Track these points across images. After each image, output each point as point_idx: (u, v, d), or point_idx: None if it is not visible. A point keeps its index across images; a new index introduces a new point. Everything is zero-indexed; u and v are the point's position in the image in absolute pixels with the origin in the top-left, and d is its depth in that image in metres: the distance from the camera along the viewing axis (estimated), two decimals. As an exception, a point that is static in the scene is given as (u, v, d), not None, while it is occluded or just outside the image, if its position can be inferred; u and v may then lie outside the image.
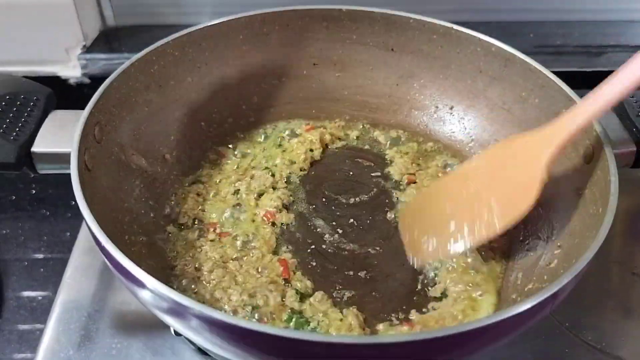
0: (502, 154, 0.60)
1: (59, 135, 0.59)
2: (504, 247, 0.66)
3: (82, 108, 0.59)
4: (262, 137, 0.78)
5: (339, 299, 0.60)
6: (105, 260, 0.50)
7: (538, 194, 0.55)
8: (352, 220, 0.69)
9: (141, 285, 0.46)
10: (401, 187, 0.73)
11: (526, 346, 0.62)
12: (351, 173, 0.75)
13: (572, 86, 0.65)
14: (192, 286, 0.60)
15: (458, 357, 0.48)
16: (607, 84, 0.54)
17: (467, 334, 0.42)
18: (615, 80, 0.53)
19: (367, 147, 0.79)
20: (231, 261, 0.62)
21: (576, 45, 0.97)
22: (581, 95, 0.64)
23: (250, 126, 0.79)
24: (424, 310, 0.59)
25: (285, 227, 0.67)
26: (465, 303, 0.58)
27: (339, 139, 0.80)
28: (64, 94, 0.68)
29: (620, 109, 0.64)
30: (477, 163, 0.63)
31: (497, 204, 0.57)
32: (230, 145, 0.77)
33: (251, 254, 0.63)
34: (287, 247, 0.65)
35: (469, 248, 0.60)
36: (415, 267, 0.62)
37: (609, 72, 0.94)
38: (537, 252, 0.63)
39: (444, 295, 0.60)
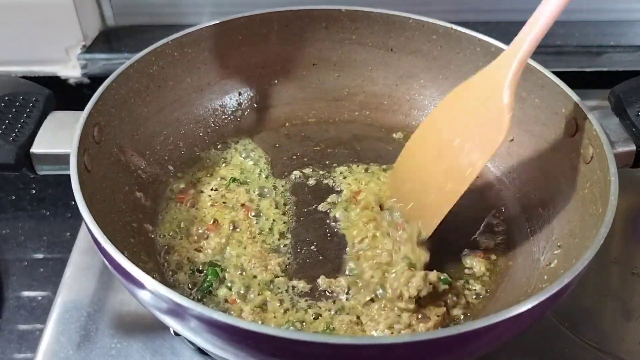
0: (464, 95, 0.58)
1: (58, 136, 0.59)
2: (504, 247, 0.66)
3: (82, 108, 0.59)
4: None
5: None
6: (105, 260, 0.50)
7: (509, 122, 0.52)
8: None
9: (140, 285, 0.46)
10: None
11: (526, 346, 0.62)
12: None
13: (572, 86, 0.65)
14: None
15: (457, 358, 0.48)
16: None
17: (466, 335, 0.42)
18: None
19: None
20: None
21: (576, 45, 0.97)
22: (581, 95, 0.64)
23: (250, 127, 0.79)
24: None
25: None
26: None
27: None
28: (63, 94, 0.68)
29: (620, 109, 0.64)
30: (441, 111, 0.60)
31: (471, 145, 0.55)
32: (230, 146, 0.77)
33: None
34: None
35: (456, 200, 0.58)
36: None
37: (609, 72, 0.95)
38: (537, 252, 0.63)
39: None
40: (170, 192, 0.69)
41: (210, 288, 0.59)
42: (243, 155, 0.75)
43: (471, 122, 0.55)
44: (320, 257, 0.64)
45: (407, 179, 0.64)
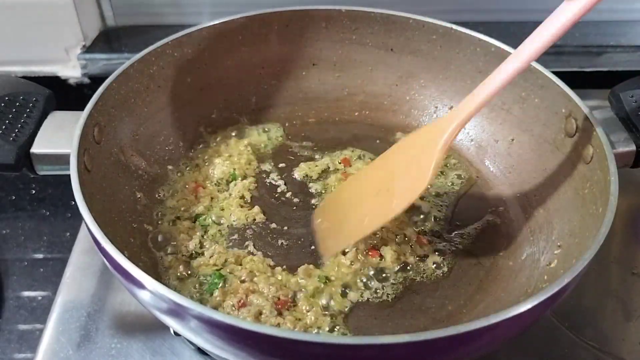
0: (406, 144, 0.62)
1: (58, 137, 0.59)
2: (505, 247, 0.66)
3: (82, 108, 0.59)
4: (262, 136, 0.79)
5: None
6: (105, 260, 0.50)
7: (432, 175, 0.56)
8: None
9: (140, 285, 0.46)
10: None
11: (526, 346, 0.62)
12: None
13: (572, 86, 0.65)
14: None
15: (457, 358, 0.48)
16: (497, 70, 0.55)
17: (466, 335, 0.42)
18: (505, 65, 0.55)
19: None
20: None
21: (576, 45, 0.97)
22: (581, 95, 0.64)
23: (249, 127, 0.79)
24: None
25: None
26: None
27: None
28: (63, 94, 0.69)
29: (620, 109, 0.64)
30: (386, 155, 0.64)
31: (397, 189, 0.59)
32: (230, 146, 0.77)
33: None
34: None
35: (367, 234, 0.61)
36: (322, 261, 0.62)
37: (609, 72, 0.95)
38: (537, 252, 0.63)
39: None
40: (170, 192, 0.69)
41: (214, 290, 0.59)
42: (244, 155, 0.75)
43: (403, 171, 0.60)
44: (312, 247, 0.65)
45: (336, 205, 0.67)
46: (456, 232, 0.67)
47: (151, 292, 0.45)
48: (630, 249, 0.74)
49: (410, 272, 0.63)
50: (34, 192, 0.94)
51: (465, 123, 0.57)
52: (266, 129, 0.79)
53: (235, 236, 0.66)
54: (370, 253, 0.63)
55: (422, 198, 0.70)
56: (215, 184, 0.71)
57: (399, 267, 0.63)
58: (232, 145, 0.76)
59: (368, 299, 0.60)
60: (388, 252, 0.63)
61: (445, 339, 0.42)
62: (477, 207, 0.71)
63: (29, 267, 0.84)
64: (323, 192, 0.71)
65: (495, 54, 0.72)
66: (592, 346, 0.62)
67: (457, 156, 0.77)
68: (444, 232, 0.67)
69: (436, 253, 0.64)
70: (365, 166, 0.67)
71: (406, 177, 0.59)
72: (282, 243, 0.65)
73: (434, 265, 0.63)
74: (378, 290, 0.61)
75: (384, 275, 0.62)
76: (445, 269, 0.63)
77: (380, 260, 0.63)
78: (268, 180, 0.73)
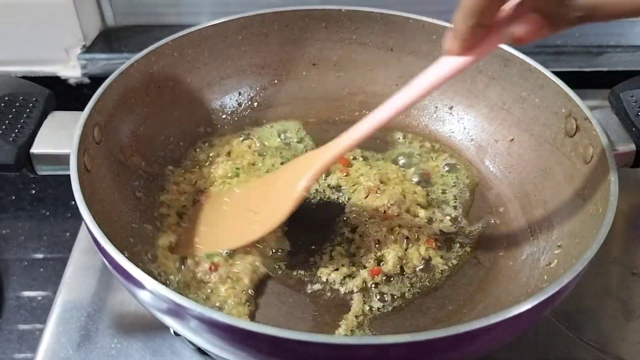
0: (279, 174, 0.66)
1: (58, 137, 0.59)
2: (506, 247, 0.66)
3: (82, 108, 0.59)
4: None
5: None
6: (105, 260, 0.50)
7: (291, 209, 0.59)
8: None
9: (140, 285, 0.46)
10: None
11: (526, 346, 0.62)
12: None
13: (572, 86, 0.65)
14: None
15: (458, 357, 0.48)
16: (369, 116, 0.58)
17: (466, 335, 0.42)
18: (375, 112, 0.57)
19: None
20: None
21: (576, 45, 0.97)
22: (581, 95, 0.64)
23: (249, 127, 0.79)
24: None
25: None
26: None
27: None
28: (63, 94, 0.68)
29: (620, 109, 0.64)
30: (257, 183, 0.68)
31: (262, 216, 0.62)
32: (230, 144, 0.77)
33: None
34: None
35: (232, 248, 0.62)
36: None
37: (609, 72, 0.95)
38: (537, 252, 0.63)
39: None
40: (170, 192, 0.69)
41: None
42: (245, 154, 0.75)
43: (271, 199, 0.63)
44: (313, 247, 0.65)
45: (213, 208, 0.67)
46: (458, 233, 0.67)
47: (151, 292, 0.45)
48: (630, 249, 0.74)
49: (412, 275, 0.63)
50: (34, 192, 0.94)
51: (332, 163, 0.60)
52: (266, 129, 0.79)
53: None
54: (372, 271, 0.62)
55: (430, 195, 0.71)
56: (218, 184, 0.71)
57: (399, 270, 0.63)
58: (233, 145, 0.76)
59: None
60: (390, 259, 0.63)
61: (445, 339, 0.42)
62: (477, 207, 0.71)
63: (29, 267, 0.84)
64: (322, 192, 0.71)
65: (495, 54, 0.72)
66: (592, 346, 0.62)
67: (457, 156, 0.77)
68: (449, 233, 0.67)
69: (440, 255, 0.64)
70: (249, 180, 0.70)
71: (271, 206, 0.62)
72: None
73: (437, 266, 0.63)
74: (379, 294, 0.61)
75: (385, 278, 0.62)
76: (446, 269, 0.63)
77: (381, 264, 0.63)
78: (268, 180, 0.73)
